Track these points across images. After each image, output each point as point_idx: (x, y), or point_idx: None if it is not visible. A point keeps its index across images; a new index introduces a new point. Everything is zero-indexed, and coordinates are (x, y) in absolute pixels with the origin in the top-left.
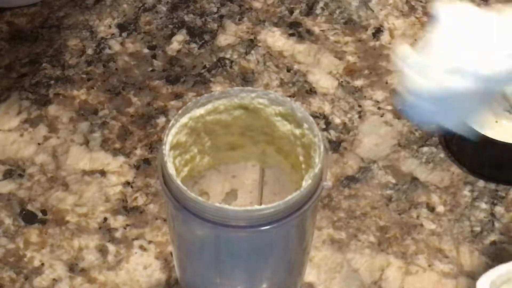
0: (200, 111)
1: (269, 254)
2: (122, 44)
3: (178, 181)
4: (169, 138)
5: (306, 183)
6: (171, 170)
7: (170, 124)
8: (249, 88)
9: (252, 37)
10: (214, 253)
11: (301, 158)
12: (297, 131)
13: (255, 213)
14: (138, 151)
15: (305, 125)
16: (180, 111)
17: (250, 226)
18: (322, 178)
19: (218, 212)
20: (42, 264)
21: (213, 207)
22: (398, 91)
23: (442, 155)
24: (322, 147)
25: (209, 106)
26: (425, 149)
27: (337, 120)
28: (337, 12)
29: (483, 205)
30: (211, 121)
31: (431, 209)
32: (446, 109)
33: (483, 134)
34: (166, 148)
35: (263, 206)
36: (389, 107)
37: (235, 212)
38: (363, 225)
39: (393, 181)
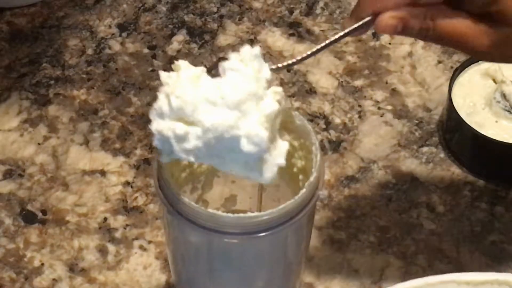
0: None
1: (263, 261)
2: (122, 44)
3: (172, 185)
4: None
5: (301, 192)
6: (166, 174)
7: None
8: None
9: (252, 37)
10: (207, 258)
11: (299, 166)
12: (295, 143)
13: (248, 220)
14: (138, 151)
15: (303, 135)
16: None
17: (243, 233)
18: (318, 187)
19: (210, 218)
20: (42, 264)
21: (205, 213)
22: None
23: (442, 155)
24: (318, 156)
25: None
26: (425, 149)
27: (337, 120)
28: (337, 12)
29: (483, 205)
30: None
31: (431, 209)
32: None
33: (483, 134)
34: None
35: (256, 214)
36: (389, 107)
37: (227, 218)
38: (363, 225)
39: (393, 181)
